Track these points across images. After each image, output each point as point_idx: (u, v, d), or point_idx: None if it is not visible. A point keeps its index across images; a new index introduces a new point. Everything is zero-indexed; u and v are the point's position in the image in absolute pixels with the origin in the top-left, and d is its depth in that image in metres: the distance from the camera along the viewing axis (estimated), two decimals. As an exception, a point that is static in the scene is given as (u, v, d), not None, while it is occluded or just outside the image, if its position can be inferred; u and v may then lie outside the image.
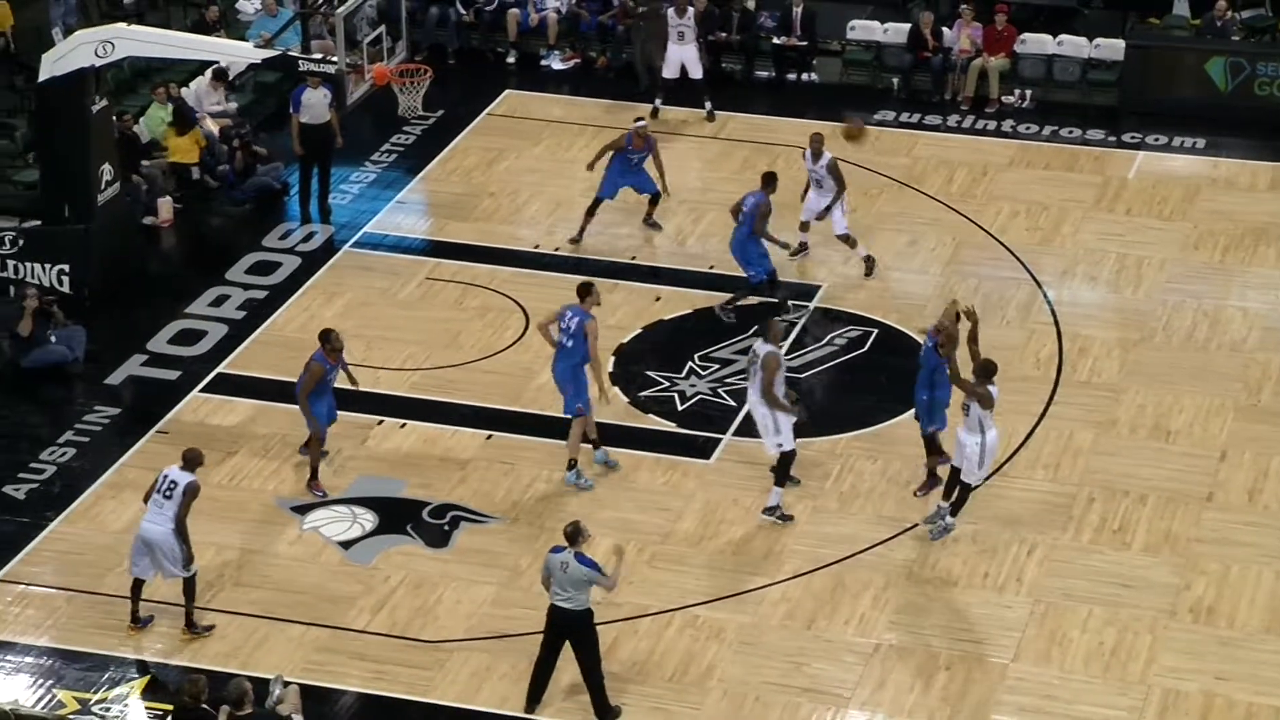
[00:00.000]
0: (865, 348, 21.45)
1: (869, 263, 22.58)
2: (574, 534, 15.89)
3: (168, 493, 16.80)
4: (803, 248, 22.82)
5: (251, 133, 25.48)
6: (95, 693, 16.64)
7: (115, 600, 17.57)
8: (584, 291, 19.01)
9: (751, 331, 21.56)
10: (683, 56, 26.22)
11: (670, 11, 26.07)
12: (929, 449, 18.91)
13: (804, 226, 22.78)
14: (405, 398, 20.57)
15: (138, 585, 17.22)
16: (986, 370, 17.73)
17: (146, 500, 16.99)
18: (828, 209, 22.36)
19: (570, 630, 16.01)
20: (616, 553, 16.09)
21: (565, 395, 18.99)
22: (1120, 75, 27.00)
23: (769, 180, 21.66)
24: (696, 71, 26.31)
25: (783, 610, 17.51)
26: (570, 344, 18.79)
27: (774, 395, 18.17)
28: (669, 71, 26.26)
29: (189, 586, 17.08)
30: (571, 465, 19.00)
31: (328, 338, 18.68)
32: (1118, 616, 17.36)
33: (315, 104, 23.62)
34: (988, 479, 18.28)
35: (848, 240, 22.58)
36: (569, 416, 18.98)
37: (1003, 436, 19.61)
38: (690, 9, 26.08)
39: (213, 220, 24.45)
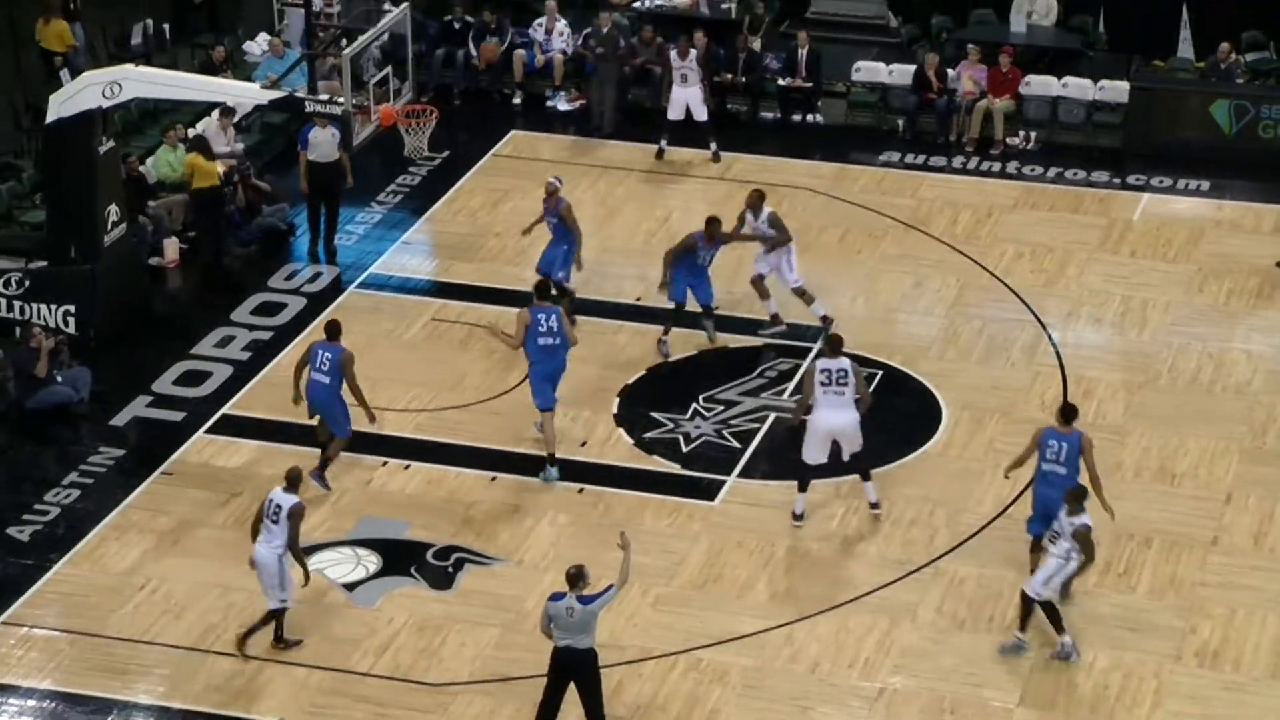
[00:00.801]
0: (870, 390, 21.39)
1: (826, 322, 22.10)
2: (576, 577, 15.87)
3: (274, 517, 17.02)
4: (775, 320, 22.27)
5: (256, 172, 25.53)
6: (98, 735, 16.65)
7: (118, 643, 17.54)
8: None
9: (756, 372, 21.62)
10: (687, 98, 26.29)
11: (673, 54, 26.14)
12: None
13: (759, 283, 22.20)
14: (410, 439, 20.56)
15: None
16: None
17: (255, 529, 17.13)
18: (781, 257, 22.08)
19: (576, 671, 15.98)
20: (623, 544, 16.05)
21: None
22: (1125, 117, 27.05)
23: (710, 223, 21.70)
24: (701, 113, 26.37)
25: (787, 653, 17.48)
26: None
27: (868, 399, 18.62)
28: (674, 113, 26.30)
29: (275, 614, 17.24)
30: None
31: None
32: (1123, 660, 17.31)
33: (322, 143, 23.69)
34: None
35: (803, 295, 22.22)
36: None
37: (1009, 479, 19.69)
38: (692, 51, 26.14)
39: (224, 259, 24.44)
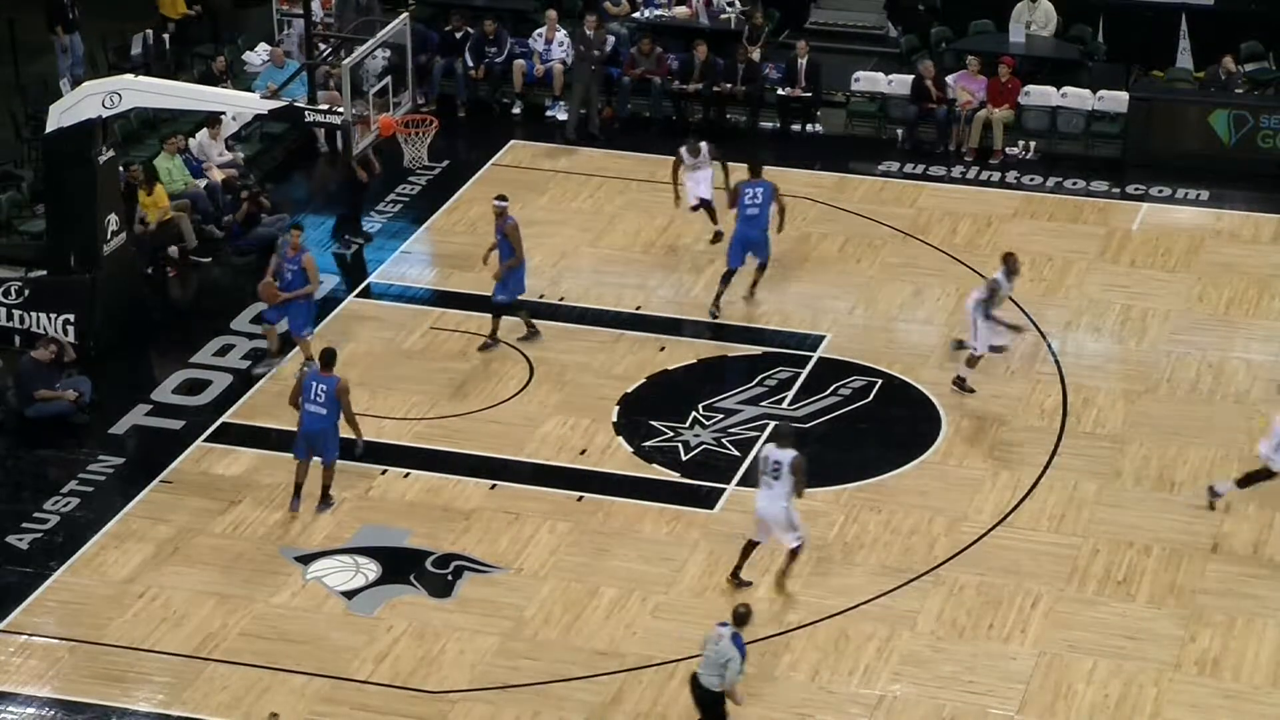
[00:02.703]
0: (870, 398, 21.45)
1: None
2: (744, 616, 15.92)
3: (774, 473, 17.67)
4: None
5: (258, 183, 25.58)
6: (97, 743, 16.65)
7: (117, 651, 17.54)
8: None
9: (756, 380, 21.63)
10: (699, 186, 24.09)
11: (683, 151, 24.13)
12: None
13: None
14: (409, 447, 20.56)
15: (750, 547, 18.16)
16: None
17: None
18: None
19: (700, 705, 15.97)
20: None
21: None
22: (1124, 127, 27.07)
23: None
24: (707, 192, 24.08)
25: (786, 661, 17.47)
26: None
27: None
28: (691, 202, 24.15)
29: (795, 554, 17.97)
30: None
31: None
32: (1123, 669, 17.31)
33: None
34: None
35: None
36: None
37: (1008, 487, 19.70)
38: (703, 147, 24.00)
39: (217, 270, 24.50)
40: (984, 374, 21.76)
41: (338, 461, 19.42)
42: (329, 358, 19.31)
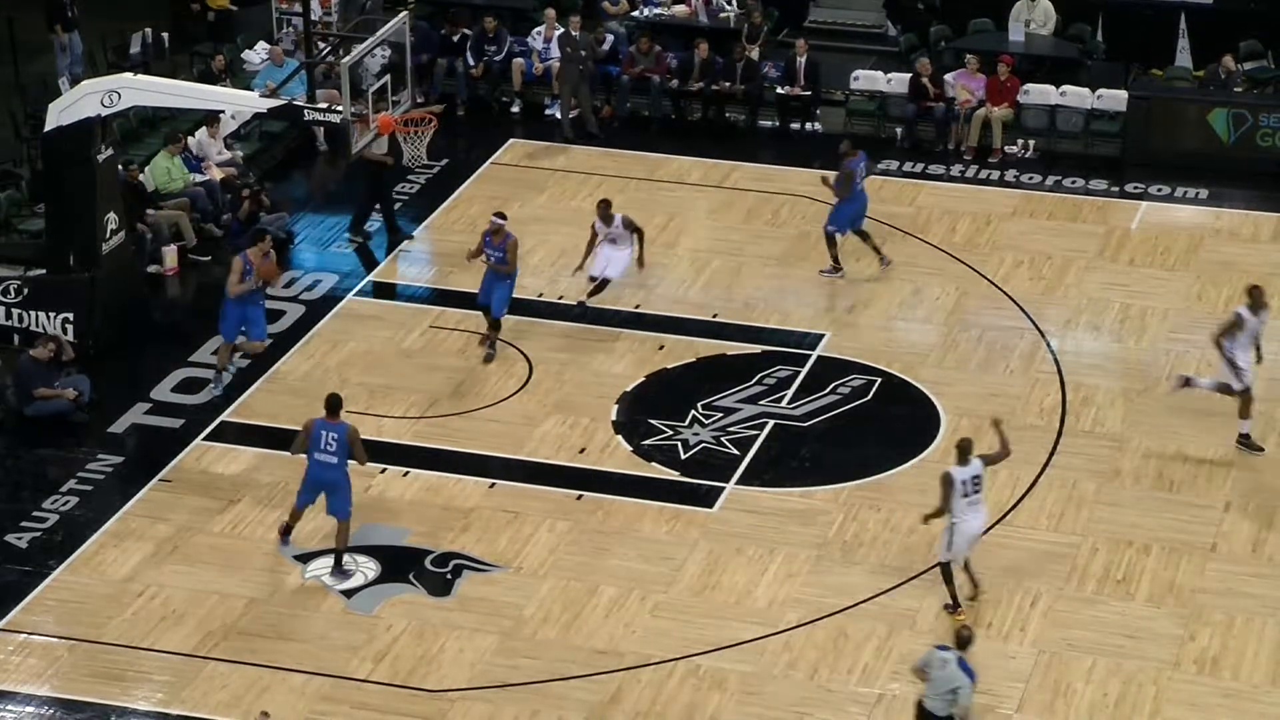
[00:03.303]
0: (869, 396, 21.45)
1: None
2: (966, 640, 15.74)
3: (977, 487, 17.50)
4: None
5: (258, 182, 25.58)
6: (96, 742, 16.65)
7: (116, 650, 17.54)
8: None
9: (755, 379, 21.62)
10: (611, 257, 22.82)
11: (597, 222, 22.78)
12: None
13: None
14: (408, 446, 20.56)
15: (947, 570, 17.86)
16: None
17: None
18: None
19: None
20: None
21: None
22: (1123, 126, 27.07)
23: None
24: (617, 271, 22.78)
25: (785, 660, 17.47)
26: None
27: None
28: (594, 271, 22.79)
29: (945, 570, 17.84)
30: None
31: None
32: (1122, 668, 17.31)
33: (382, 139, 23.72)
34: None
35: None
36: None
37: (1007, 485, 19.67)
38: (616, 217, 22.60)
39: (216, 269, 24.48)
40: (983, 373, 21.78)
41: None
42: (334, 404, 18.37)
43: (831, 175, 23.54)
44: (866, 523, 19.28)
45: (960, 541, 17.72)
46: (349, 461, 18.40)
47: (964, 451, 17.64)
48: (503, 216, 22.01)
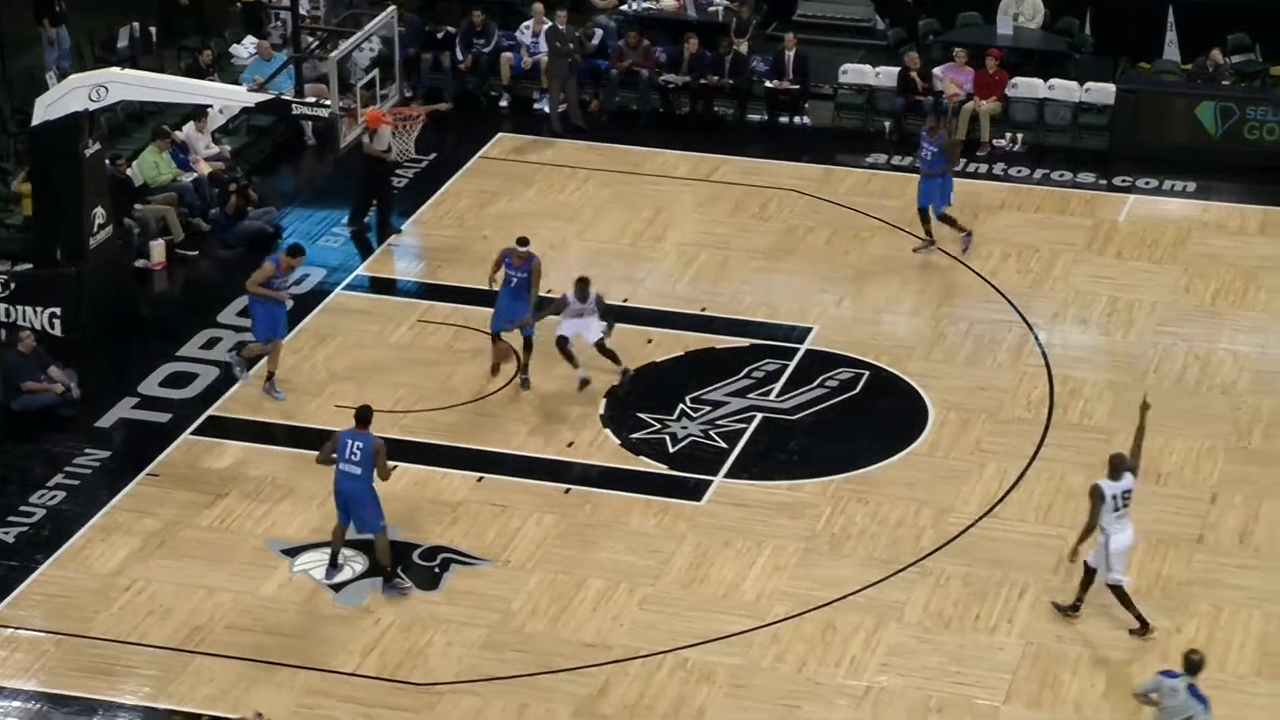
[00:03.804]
0: (857, 390, 21.46)
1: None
2: (1197, 664, 15.27)
3: (1127, 500, 17.03)
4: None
5: (245, 176, 25.56)
6: (83, 736, 16.62)
7: (103, 644, 17.52)
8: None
9: (743, 373, 21.62)
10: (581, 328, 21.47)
11: (569, 294, 21.37)
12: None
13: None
14: (396, 440, 20.49)
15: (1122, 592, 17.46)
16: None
17: None
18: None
19: None
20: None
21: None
22: (1111, 119, 27.08)
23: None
24: (593, 336, 21.39)
25: (773, 652, 17.47)
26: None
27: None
28: (560, 331, 21.31)
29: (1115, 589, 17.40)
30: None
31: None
32: (1109, 659, 17.31)
33: (383, 134, 23.68)
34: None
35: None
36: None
37: (995, 478, 19.66)
38: (593, 293, 21.25)
39: (204, 263, 24.48)
40: (971, 365, 21.80)
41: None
42: (364, 416, 18.00)
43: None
44: (854, 516, 19.29)
45: (1117, 558, 17.39)
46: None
47: (1116, 466, 17.31)
48: (525, 242, 21.24)
